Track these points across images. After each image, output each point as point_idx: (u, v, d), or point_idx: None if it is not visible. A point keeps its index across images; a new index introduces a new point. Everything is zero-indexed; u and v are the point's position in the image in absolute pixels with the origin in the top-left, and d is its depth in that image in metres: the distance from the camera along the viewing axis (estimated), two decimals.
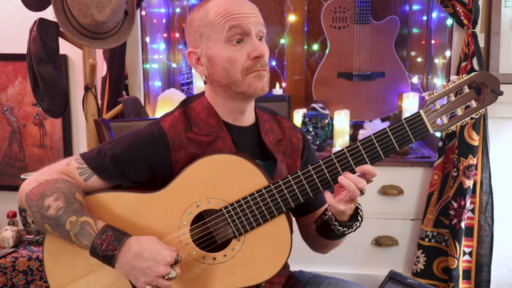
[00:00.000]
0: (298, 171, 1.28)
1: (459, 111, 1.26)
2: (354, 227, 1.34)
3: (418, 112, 1.25)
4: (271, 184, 1.29)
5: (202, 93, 1.44)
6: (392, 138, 1.25)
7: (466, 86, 1.25)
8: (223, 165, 1.30)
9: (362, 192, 1.25)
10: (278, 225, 1.30)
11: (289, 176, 1.28)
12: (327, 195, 1.28)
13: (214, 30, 1.32)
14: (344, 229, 1.32)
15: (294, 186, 1.28)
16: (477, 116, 1.26)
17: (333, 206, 1.28)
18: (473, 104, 1.25)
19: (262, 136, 1.42)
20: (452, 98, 1.25)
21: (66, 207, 1.27)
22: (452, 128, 1.27)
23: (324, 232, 1.39)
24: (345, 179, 1.25)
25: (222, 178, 1.30)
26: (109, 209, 1.32)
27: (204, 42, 1.34)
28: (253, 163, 1.30)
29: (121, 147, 1.34)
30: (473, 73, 1.25)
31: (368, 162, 1.26)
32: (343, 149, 1.26)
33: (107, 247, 1.23)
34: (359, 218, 1.34)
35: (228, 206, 1.29)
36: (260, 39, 1.34)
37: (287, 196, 1.28)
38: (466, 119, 1.26)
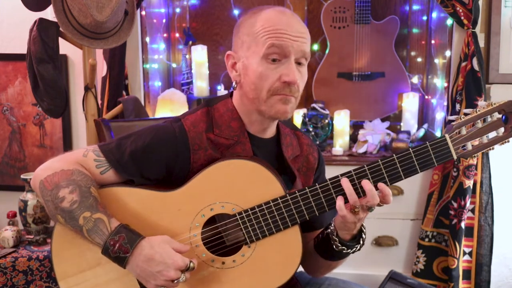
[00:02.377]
0: (316, 184, 1.27)
1: (485, 139, 1.25)
2: (354, 249, 1.33)
3: (444, 136, 1.24)
4: (287, 195, 1.28)
5: (227, 95, 1.42)
6: (415, 160, 1.24)
7: (494, 114, 1.24)
8: (240, 170, 1.29)
9: (370, 209, 1.24)
10: (290, 236, 1.29)
11: (306, 188, 1.27)
12: (341, 206, 1.25)
13: (255, 42, 1.30)
14: (343, 247, 1.31)
15: (311, 199, 1.27)
16: (501, 146, 1.25)
17: (339, 209, 1.25)
18: (499, 132, 1.24)
19: (282, 150, 1.41)
20: (479, 125, 1.25)
21: (80, 201, 1.25)
22: (476, 155, 1.26)
23: (322, 249, 1.38)
24: (346, 181, 1.24)
25: (238, 183, 1.29)
26: (123, 203, 1.32)
27: (244, 50, 1.33)
28: (270, 171, 1.29)
29: (141, 143, 1.33)
30: (502, 101, 1.25)
31: (388, 182, 1.25)
32: (363, 166, 1.25)
33: (120, 249, 1.22)
34: (361, 242, 1.33)
35: (242, 212, 1.29)
36: (299, 64, 1.32)
37: (302, 208, 1.27)
38: (492, 147, 1.25)
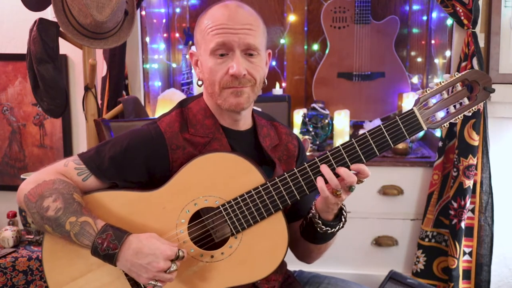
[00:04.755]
0: (294, 168, 1.30)
1: (452, 109, 1.29)
2: (337, 227, 1.35)
3: (412, 109, 1.28)
4: (267, 182, 1.30)
5: (200, 95, 1.45)
6: (387, 135, 1.28)
7: (458, 84, 1.29)
8: (219, 163, 1.31)
9: (351, 188, 1.26)
10: (275, 222, 1.31)
11: (285, 173, 1.30)
12: (322, 187, 1.27)
13: (203, 40, 1.34)
14: (327, 228, 1.33)
15: (291, 183, 1.29)
16: (470, 114, 1.30)
17: (322, 190, 1.27)
18: (466, 101, 1.29)
19: (259, 140, 1.43)
20: (445, 96, 1.29)
21: (65, 208, 1.28)
22: (445, 125, 1.30)
23: (308, 234, 1.39)
24: (325, 166, 1.26)
25: (218, 176, 1.31)
26: (107, 208, 1.33)
27: (198, 49, 1.38)
28: (249, 160, 1.31)
29: (120, 148, 1.35)
30: (465, 71, 1.30)
31: (363, 159, 1.28)
32: (338, 147, 1.28)
33: (108, 246, 1.24)
34: (343, 219, 1.35)
35: (225, 203, 1.31)
36: (251, 55, 1.33)
37: (283, 193, 1.29)
38: (459, 116, 1.29)
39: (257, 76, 1.34)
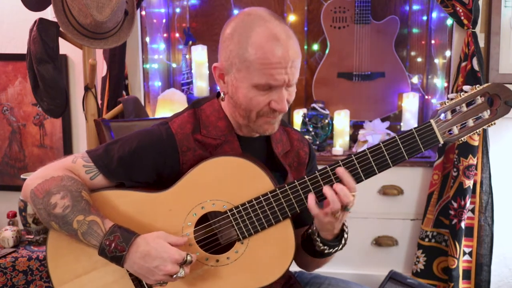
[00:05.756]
0: (305, 176, 1.28)
1: (470, 122, 1.25)
2: (335, 248, 1.33)
3: (429, 121, 1.25)
4: (277, 188, 1.28)
5: (213, 96, 1.43)
6: (402, 147, 1.24)
7: (478, 97, 1.24)
8: (229, 167, 1.30)
9: (346, 208, 1.23)
10: (282, 230, 1.30)
11: (295, 181, 1.28)
12: (312, 205, 1.25)
13: (247, 70, 1.27)
14: (325, 247, 1.31)
15: (300, 191, 1.27)
16: (489, 128, 1.26)
17: (317, 216, 1.26)
18: (485, 115, 1.24)
19: (272, 146, 1.42)
20: (464, 109, 1.25)
21: (73, 206, 1.27)
22: (462, 139, 1.26)
23: (307, 248, 1.38)
24: (329, 189, 1.23)
25: (227, 180, 1.30)
26: (114, 207, 1.33)
27: (234, 71, 1.31)
28: (259, 166, 1.30)
29: (129, 148, 1.34)
30: (486, 84, 1.25)
31: (376, 170, 1.25)
32: (351, 156, 1.26)
33: (116, 248, 1.23)
34: (343, 241, 1.33)
35: (233, 208, 1.29)
36: (290, 86, 1.31)
37: (293, 201, 1.28)
38: (478, 131, 1.25)
39: (291, 101, 1.34)
